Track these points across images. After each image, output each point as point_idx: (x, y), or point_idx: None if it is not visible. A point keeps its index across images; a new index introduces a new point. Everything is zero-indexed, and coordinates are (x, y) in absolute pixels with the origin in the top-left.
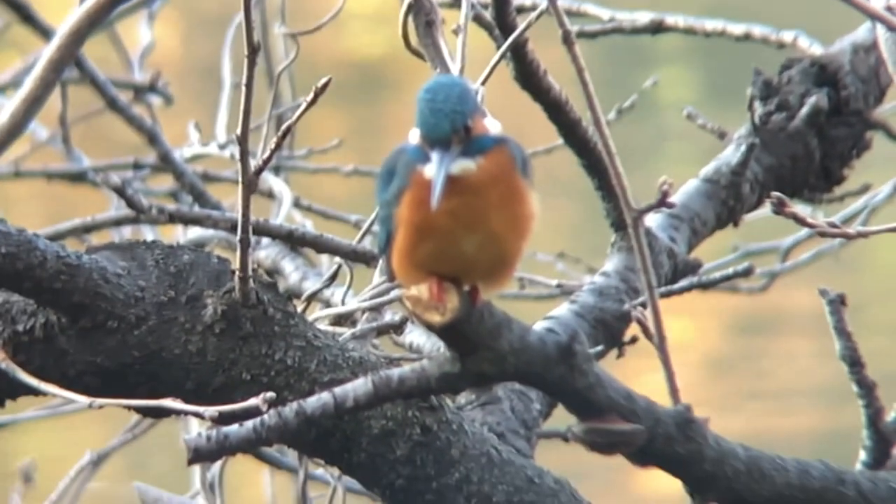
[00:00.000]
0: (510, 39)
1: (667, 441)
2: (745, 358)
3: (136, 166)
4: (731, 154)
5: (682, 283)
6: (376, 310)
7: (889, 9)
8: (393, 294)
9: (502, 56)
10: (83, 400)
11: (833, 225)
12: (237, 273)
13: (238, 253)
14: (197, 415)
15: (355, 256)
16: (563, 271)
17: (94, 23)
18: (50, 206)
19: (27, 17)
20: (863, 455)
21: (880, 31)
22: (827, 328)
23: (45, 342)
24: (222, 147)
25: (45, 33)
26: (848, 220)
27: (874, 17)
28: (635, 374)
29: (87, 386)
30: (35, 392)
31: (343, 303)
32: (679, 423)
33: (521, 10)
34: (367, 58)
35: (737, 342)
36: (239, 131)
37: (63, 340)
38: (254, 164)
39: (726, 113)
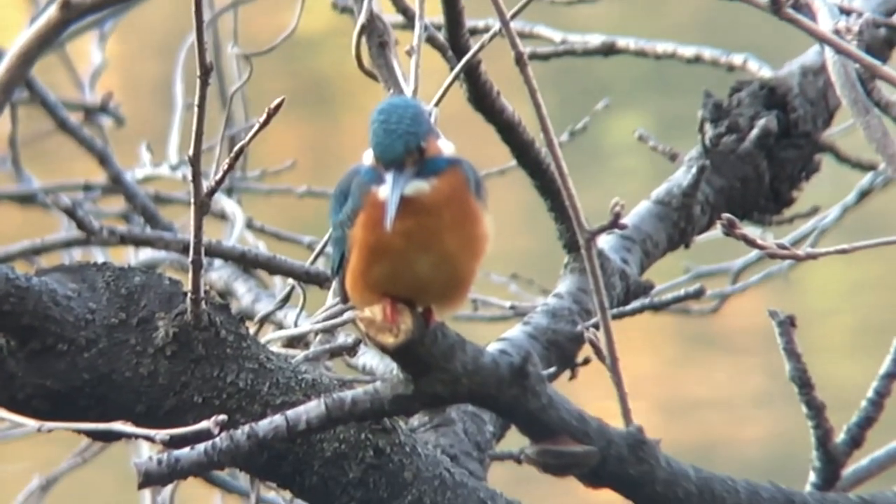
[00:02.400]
0: (463, 61)
1: (619, 462)
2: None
3: (87, 188)
4: (682, 176)
5: (634, 304)
6: (329, 332)
7: (837, 32)
8: (346, 316)
9: (455, 77)
10: (32, 424)
11: (782, 247)
12: (189, 295)
13: (190, 275)
14: (148, 438)
15: (308, 278)
16: (516, 293)
17: (44, 44)
18: None
19: None
20: (812, 476)
21: (828, 54)
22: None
23: None
24: (174, 168)
25: None
26: (797, 242)
27: (822, 40)
28: (588, 395)
29: (36, 409)
30: None
31: (296, 325)
32: (631, 445)
33: (475, 31)
34: (320, 74)
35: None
36: (191, 152)
37: (12, 363)
38: (206, 185)
39: (677, 136)
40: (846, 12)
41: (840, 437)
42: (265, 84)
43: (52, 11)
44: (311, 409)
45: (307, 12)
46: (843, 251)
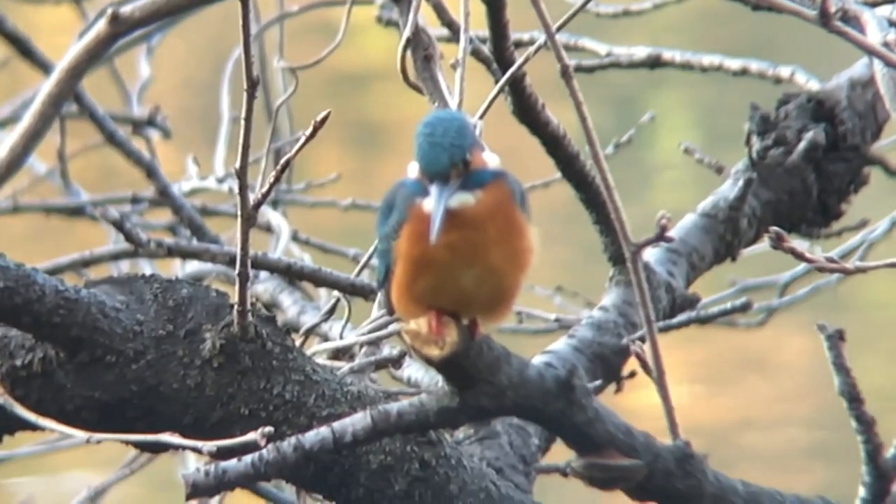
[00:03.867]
0: (508, 74)
1: (666, 476)
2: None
3: (135, 200)
4: (728, 189)
5: (680, 317)
6: (375, 344)
7: (886, 44)
8: (391, 328)
9: (500, 90)
10: (81, 435)
11: (831, 260)
12: (236, 307)
13: (237, 287)
14: (195, 449)
15: (353, 290)
16: (561, 305)
17: (93, 57)
18: (48, 240)
19: (27, 52)
20: (862, 491)
21: (877, 66)
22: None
23: (44, 377)
24: (221, 181)
25: (45, 68)
26: (846, 256)
27: (871, 52)
28: (634, 408)
29: (84, 421)
30: (33, 427)
31: (341, 337)
32: (678, 459)
33: (519, 44)
34: (367, 104)
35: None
36: (238, 165)
37: (61, 375)
38: (252, 197)
39: (723, 148)
40: (895, 24)
41: (890, 451)
42: (311, 101)
43: (100, 26)
44: (357, 421)
45: (355, 50)
46: (893, 265)
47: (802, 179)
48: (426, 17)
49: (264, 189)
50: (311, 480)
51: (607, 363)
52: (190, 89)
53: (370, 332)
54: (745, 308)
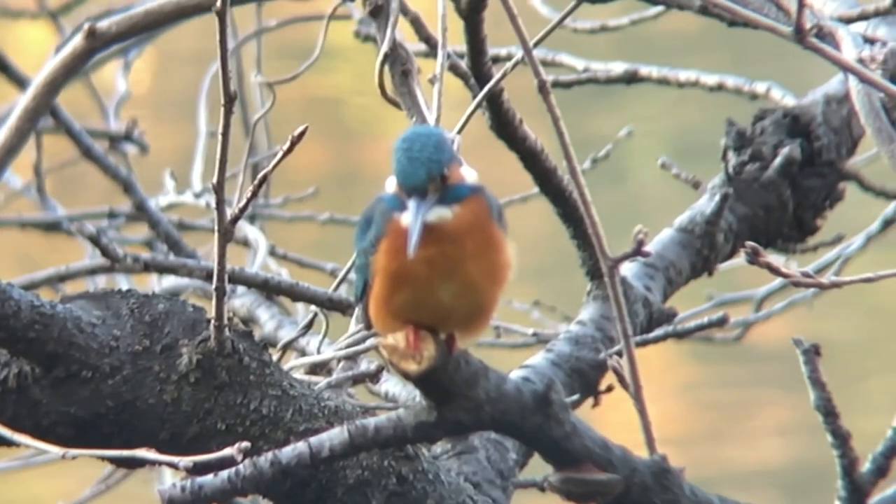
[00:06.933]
0: (486, 89)
1: (643, 491)
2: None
3: (111, 215)
4: (705, 204)
5: (658, 332)
6: (352, 358)
7: (861, 61)
8: (369, 343)
9: (478, 105)
10: (56, 451)
11: (807, 275)
12: (213, 322)
13: (214, 302)
14: (171, 465)
15: (331, 305)
16: (538, 320)
17: (69, 72)
18: (24, 255)
19: (2, 66)
20: None
21: (852, 82)
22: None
23: (19, 392)
24: (198, 196)
25: (21, 83)
26: (821, 270)
27: (846, 69)
28: (611, 423)
29: (60, 436)
30: (8, 443)
31: (319, 351)
32: (655, 473)
33: (497, 59)
34: (343, 104)
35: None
36: (215, 180)
37: (36, 391)
38: (230, 212)
39: (700, 164)
40: (870, 41)
41: (865, 466)
42: (288, 107)
43: (77, 41)
44: (334, 435)
45: (331, 31)
46: (868, 280)
47: (778, 195)
48: (404, 33)
49: (241, 204)
50: (288, 496)
51: (585, 378)
52: (166, 103)
53: (347, 346)
54: (721, 322)
